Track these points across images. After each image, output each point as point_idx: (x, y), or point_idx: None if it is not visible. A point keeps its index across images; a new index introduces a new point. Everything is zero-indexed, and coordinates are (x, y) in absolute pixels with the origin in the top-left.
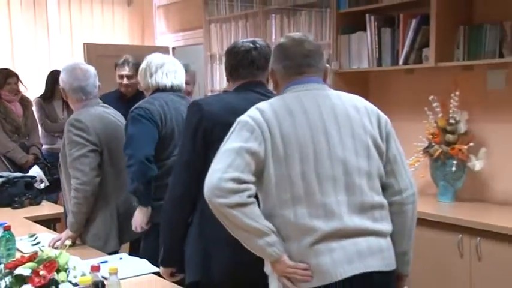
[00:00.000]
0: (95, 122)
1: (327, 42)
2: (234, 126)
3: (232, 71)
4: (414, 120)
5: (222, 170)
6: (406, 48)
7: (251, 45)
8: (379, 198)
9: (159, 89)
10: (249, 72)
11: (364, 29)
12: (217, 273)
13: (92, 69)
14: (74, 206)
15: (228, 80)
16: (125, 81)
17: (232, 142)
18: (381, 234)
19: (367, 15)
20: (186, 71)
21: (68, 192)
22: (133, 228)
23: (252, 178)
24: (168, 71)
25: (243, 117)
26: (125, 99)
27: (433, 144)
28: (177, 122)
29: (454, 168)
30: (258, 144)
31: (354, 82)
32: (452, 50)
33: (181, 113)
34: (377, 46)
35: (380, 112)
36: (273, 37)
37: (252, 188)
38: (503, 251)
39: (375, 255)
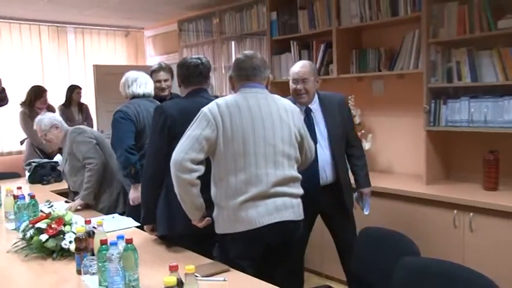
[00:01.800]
0: None
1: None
2: (197, 115)
3: (184, 80)
4: None
5: (185, 151)
6: (318, 64)
7: (198, 61)
8: (295, 173)
9: (135, 96)
10: (198, 81)
11: (290, 51)
12: (179, 227)
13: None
14: (88, 182)
15: (179, 85)
16: (163, 84)
17: (194, 130)
18: (293, 195)
19: (291, 41)
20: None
21: (70, 176)
22: (131, 203)
23: (204, 157)
24: (140, 83)
25: (205, 109)
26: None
27: None
28: (147, 120)
29: None
30: (211, 131)
31: (285, 89)
32: (348, 66)
33: (150, 113)
34: None
35: (299, 111)
36: (227, 56)
37: (202, 169)
38: (384, 204)
39: (287, 209)
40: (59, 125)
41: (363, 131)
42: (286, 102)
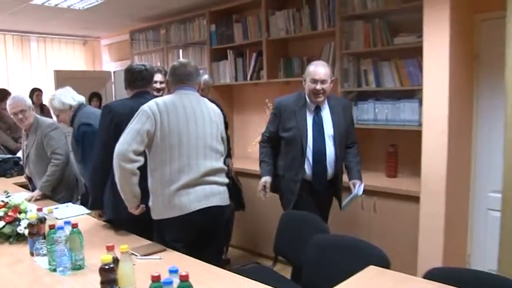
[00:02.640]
0: None
1: (205, 67)
2: (138, 112)
3: (130, 83)
4: (259, 114)
5: (128, 143)
6: (250, 71)
7: (142, 67)
8: (221, 165)
9: (80, 105)
10: (142, 84)
11: (227, 59)
12: (124, 213)
13: None
14: (51, 175)
15: (126, 88)
16: (158, 85)
17: (136, 124)
18: (220, 184)
19: (228, 50)
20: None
21: (33, 163)
22: None
23: (143, 148)
24: (73, 94)
25: (144, 107)
26: None
27: None
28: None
29: None
30: (151, 125)
31: (223, 91)
32: (277, 72)
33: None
34: (234, 69)
35: (222, 115)
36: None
37: (142, 160)
38: None
39: (215, 196)
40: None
41: None
42: (213, 106)
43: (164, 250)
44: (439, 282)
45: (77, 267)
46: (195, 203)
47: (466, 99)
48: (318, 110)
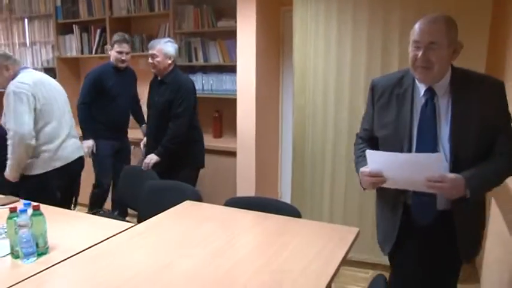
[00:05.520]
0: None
1: (52, 40)
2: (10, 95)
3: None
4: None
5: (27, 123)
6: (95, 45)
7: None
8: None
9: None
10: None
11: (72, 33)
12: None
13: None
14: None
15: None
16: (123, 56)
17: (20, 106)
18: (77, 138)
19: (73, 25)
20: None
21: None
22: None
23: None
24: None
25: (17, 89)
26: (119, 71)
27: None
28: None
29: None
30: (31, 102)
31: (70, 63)
32: None
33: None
34: (80, 43)
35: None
36: (21, 34)
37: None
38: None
39: (79, 148)
40: None
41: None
42: (55, 81)
43: (18, 201)
44: (233, 207)
45: (43, 252)
46: (72, 153)
47: (274, 72)
48: (430, 95)
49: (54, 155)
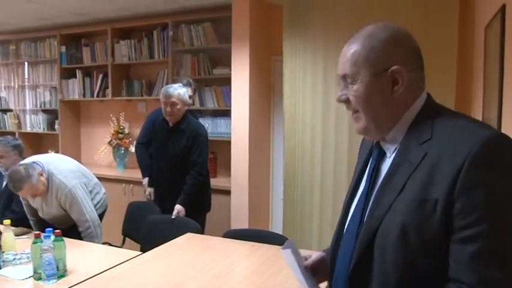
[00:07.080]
0: None
1: (55, 83)
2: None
3: None
4: (104, 127)
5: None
6: (97, 89)
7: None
8: None
9: None
10: None
11: (76, 77)
12: None
13: None
14: None
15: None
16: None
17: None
18: None
19: (77, 70)
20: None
21: None
22: None
23: None
24: None
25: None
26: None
27: (113, 139)
28: None
29: (122, 152)
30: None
31: (72, 106)
32: (120, 91)
33: None
34: (82, 87)
35: None
36: (22, 77)
37: None
38: None
39: None
40: None
41: (129, 140)
42: None
43: (30, 232)
44: (230, 238)
45: (62, 275)
46: None
47: (265, 117)
48: (377, 155)
49: None
